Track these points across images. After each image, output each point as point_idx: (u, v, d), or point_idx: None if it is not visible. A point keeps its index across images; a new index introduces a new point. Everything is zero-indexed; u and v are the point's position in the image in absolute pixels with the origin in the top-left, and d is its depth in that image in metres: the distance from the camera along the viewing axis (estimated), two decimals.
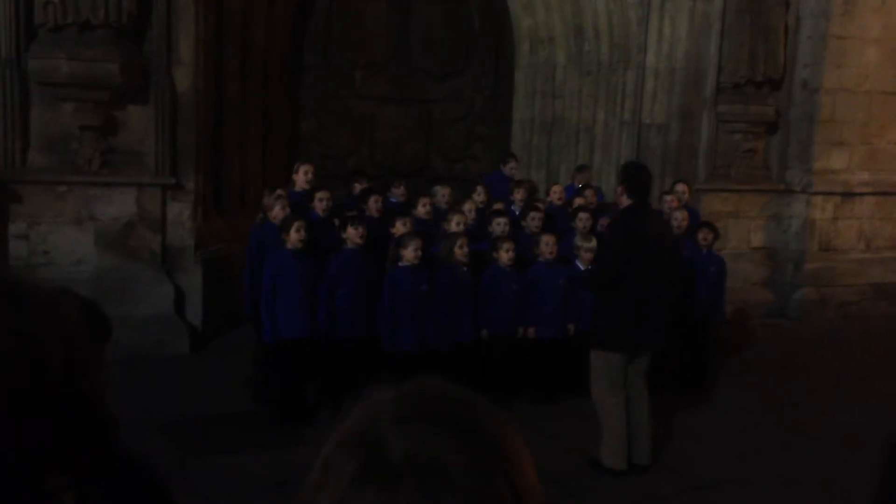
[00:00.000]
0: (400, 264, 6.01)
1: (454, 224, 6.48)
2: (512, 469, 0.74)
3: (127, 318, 6.74)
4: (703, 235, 7.16)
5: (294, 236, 5.76)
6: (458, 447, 0.72)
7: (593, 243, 6.42)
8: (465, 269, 6.21)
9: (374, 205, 6.96)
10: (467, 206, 7.14)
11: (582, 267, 6.51)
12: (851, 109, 9.90)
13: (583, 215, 7.06)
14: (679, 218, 7.11)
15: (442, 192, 7.60)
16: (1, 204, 6.90)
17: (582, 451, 5.51)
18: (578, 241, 6.64)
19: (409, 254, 5.94)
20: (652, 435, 5.40)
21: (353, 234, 5.94)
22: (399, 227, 6.33)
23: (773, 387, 7.25)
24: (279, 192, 6.50)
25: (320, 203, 6.66)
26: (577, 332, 6.40)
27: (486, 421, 0.76)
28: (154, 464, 1.58)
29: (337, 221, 6.42)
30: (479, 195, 7.70)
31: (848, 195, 10.10)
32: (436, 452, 0.71)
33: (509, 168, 8.94)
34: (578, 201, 7.72)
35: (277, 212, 6.18)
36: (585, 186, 8.29)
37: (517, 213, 7.44)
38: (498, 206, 7.32)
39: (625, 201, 5.30)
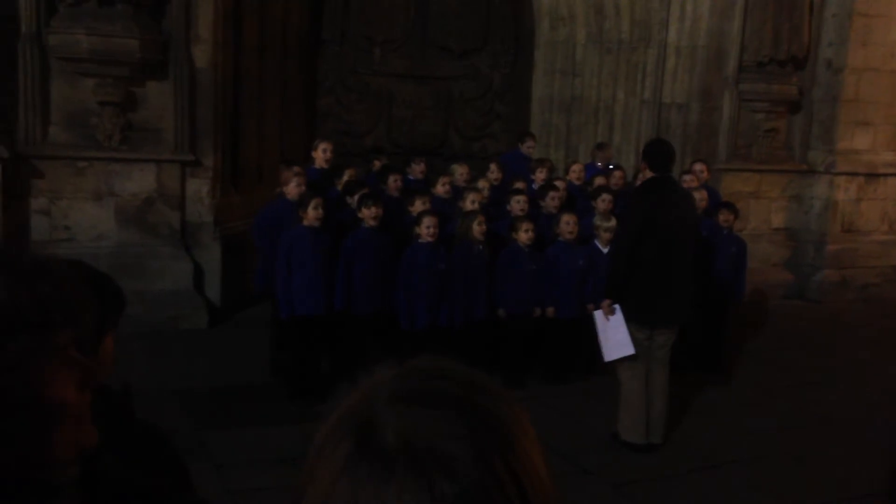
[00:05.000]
0: (418, 241, 6.02)
1: (469, 202, 6.47)
2: (514, 453, 0.70)
3: (146, 293, 6.82)
4: (724, 216, 7.10)
5: (312, 214, 5.77)
6: (456, 430, 0.68)
7: (613, 223, 6.39)
8: (480, 247, 6.20)
9: (393, 183, 6.96)
10: (481, 184, 7.12)
11: (601, 246, 6.49)
12: (876, 89, 9.75)
13: (605, 196, 7.01)
14: (698, 198, 7.05)
15: (460, 171, 7.58)
16: (22, 179, 6.96)
17: (595, 428, 5.53)
18: (598, 220, 6.62)
19: (423, 230, 5.95)
20: (666, 413, 5.41)
21: (367, 214, 5.94)
22: (418, 206, 6.33)
23: (789, 367, 7.22)
24: (297, 169, 6.51)
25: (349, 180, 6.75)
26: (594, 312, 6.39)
27: (488, 402, 0.72)
28: (168, 433, 1.60)
29: (350, 199, 6.41)
30: (493, 173, 7.68)
31: (872, 176, 9.98)
32: (432, 435, 0.68)
33: (526, 147, 8.89)
34: (599, 181, 7.66)
35: (293, 188, 6.19)
36: (615, 167, 8.22)
37: (537, 192, 7.40)
38: (519, 184, 7.28)
39: (646, 175, 5.33)
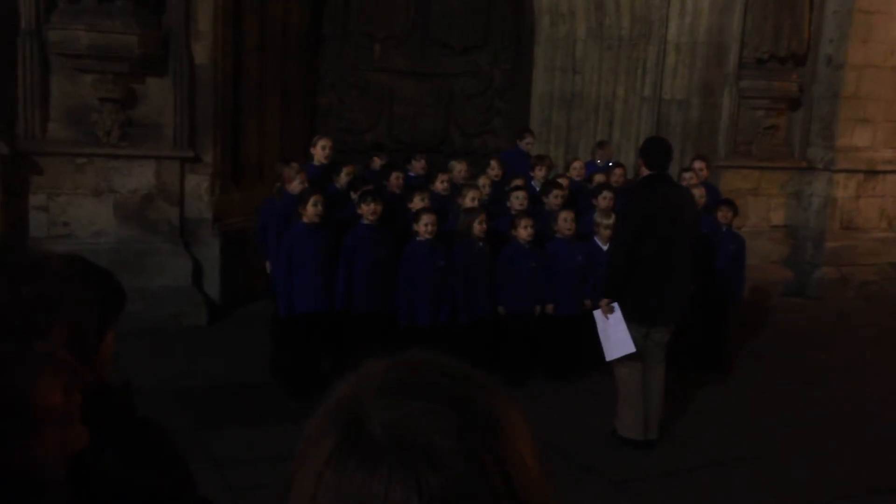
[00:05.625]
0: (417, 239, 6.02)
1: (468, 199, 6.47)
2: (502, 447, 0.69)
3: (145, 289, 6.81)
4: (723, 213, 7.10)
5: (311, 210, 5.76)
6: (445, 423, 0.68)
7: (613, 220, 6.38)
8: (480, 244, 6.20)
9: (395, 181, 6.96)
10: (481, 181, 7.12)
11: (601, 243, 6.49)
12: (877, 85, 9.74)
13: (606, 194, 7.00)
14: (696, 195, 7.05)
15: (458, 168, 7.57)
16: (21, 175, 6.95)
17: (596, 426, 5.53)
18: (598, 217, 6.62)
19: (421, 228, 5.95)
20: (662, 409, 5.41)
21: (366, 211, 5.94)
22: (417, 202, 6.33)
23: (789, 365, 7.21)
24: (294, 164, 6.52)
25: (347, 178, 6.72)
26: (593, 309, 6.38)
27: (478, 396, 0.72)
28: (168, 430, 1.59)
29: (353, 196, 6.41)
30: (494, 169, 7.68)
31: (871, 173, 9.97)
32: (420, 428, 0.67)
33: (525, 143, 8.88)
34: (599, 178, 7.66)
35: (296, 185, 6.19)
36: (615, 165, 8.21)
37: (537, 189, 7.40)
38: (518, 182, 7.28)
39: (643, 173, 5.35)
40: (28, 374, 1.00)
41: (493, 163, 7.83)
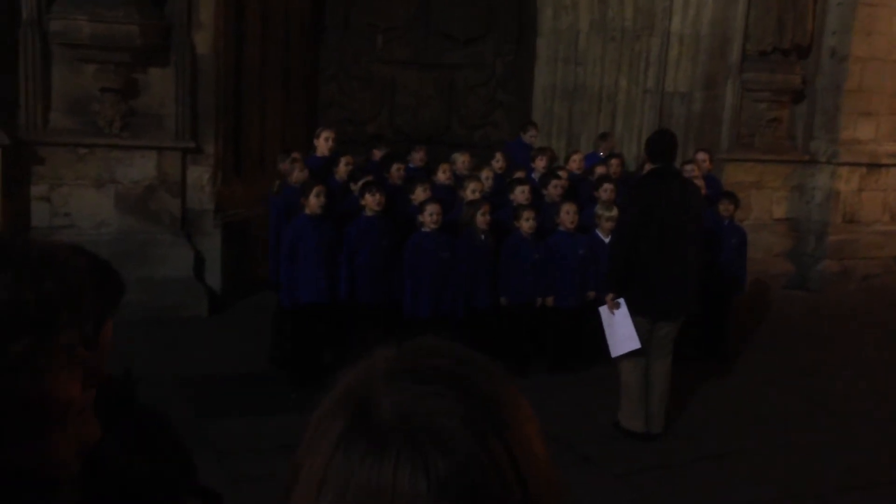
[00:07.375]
0: (422, 230, 6.01)
1: (469, 191, 6.46)
2: (510, 432, 0.69)
3: (147, 280, 6.82)
4: (724, 206, 7.09)
5: (314, 202, 5.76)
6: (452, 407, 0.68)
7: (614, 212, 6.36)
8: (483, 236, 6.19)
9: (396, 172, 6.95)
10: (484, 174, 7.11)
11: (602, 236, 6.48)
12: (880, 78, 9.71)
13: (607, 186, 6.99)
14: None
15: (462, 159, 7.56)
16: (23, 165, 6.94)
17: (598, 418, 5.53)
18: (599, 209, 6.60)
19: (426, 218, 5.94)
20: (666, 402, 5.40)
21: (370, 202, 5.94)
22: (419, 194, 6.32)
23: (791, 358, 7.21)
24: (295, 154, 6.50)
25: (346, 168, 6.70)
26: (596, 300, 6.37)
27: (484, 381, 0.72)
28: (170, 419, 1.59)
29: (353, 187, 6.40)
30: (498, 162, 7.67)
31: (874, 166, 9.94)
32: (428, 412, 0.68)
33: (529, 136, 8.87)
34: (600, 170, 7.64)
35: (297, 175, 6.19)
36: (611, 155, 8.19)
37: (538, 181, 7.39)
38: (519, 174, 7.27)
39: (647, 168, 5.35)
40: (50, 369, 0.99)
41: (498, 155, 7.83)
